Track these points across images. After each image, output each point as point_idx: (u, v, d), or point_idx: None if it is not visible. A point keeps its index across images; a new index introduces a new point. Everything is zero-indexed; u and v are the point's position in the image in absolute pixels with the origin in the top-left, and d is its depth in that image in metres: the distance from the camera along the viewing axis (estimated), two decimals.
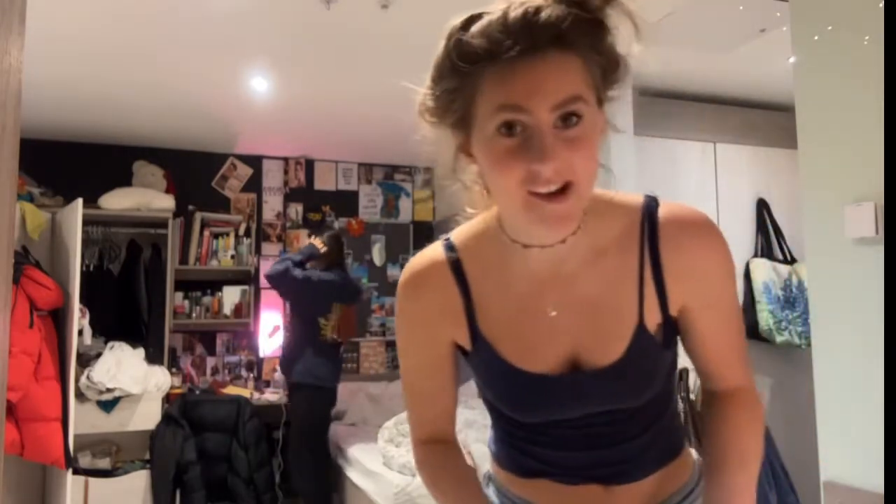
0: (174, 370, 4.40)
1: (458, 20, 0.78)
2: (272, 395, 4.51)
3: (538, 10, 0.72)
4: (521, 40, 0.72)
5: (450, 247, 0.94)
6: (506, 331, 0.91)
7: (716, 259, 0.89)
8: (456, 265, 0.92)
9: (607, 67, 0.78)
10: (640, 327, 0.88)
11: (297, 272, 3.73)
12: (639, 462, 0.93)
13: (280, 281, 3.76)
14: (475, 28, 0.75)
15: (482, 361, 0.92)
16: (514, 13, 0.73)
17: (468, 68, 0.76)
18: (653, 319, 0.88)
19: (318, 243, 3.90)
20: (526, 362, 0.89)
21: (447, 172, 0.89)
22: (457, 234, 0.95)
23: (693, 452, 1.02)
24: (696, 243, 0.88)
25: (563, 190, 0.75)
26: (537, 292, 0.89)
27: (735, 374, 0.94)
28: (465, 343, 0.93)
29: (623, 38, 0.77)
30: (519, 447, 0.97)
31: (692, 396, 3.29)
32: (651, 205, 0.89)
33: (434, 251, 0.94)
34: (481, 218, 0.94)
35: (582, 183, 0.76)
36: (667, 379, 0.94)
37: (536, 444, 0.95)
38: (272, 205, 5.04)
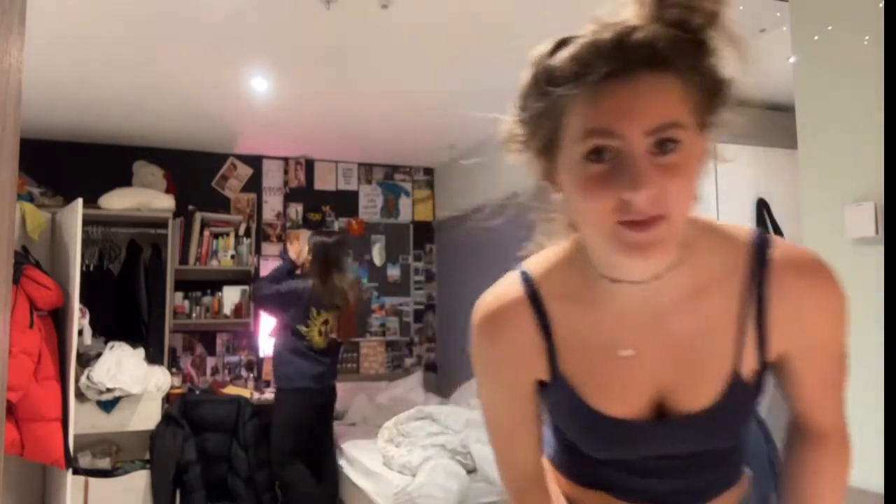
0: (174, 370, 4.40)
1: (545, 46, 0.74)
2: (272, 395, 4.50)
3: (631, 30, 0.68)
4: (612, 61, 0.68)
5: (527, 280, 0.87)
6: (588, 371, 0.85)
7: (830, 308, 0.82)
8: (535, 300, 0.86)
9: (710, 89, 0.73)
10: (736, 373, 0.82)
11: (268, 288, 3.84)
12: (705, 489, 0.90)
13: (261, 302, 3.98)
14: (563, 52, 0.71)
15: (561, 401, 0.88)
16: (605, 34, 0.69)
17: (555, 91, 0.71)
18: (749, 365, 0.82)
19: (294, 251, 3.93)
20: (608, 405, 0.84)
21: (530, 201, 0.85)
22: (533, 266, 0.89)
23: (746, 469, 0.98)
24: (811, 291, 0.81)
25: (654, 219, 0.69)
26: (624, 331, 0.83)
27: (828, 418, 0.89)
28: (546, 379, 0.88)
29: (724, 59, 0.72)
30: (582, 462, 0.93)
31: None
32: (762, 243, 0.82)
33: (510, 285, 0.88)
34: (560, 248, 0.88)
35: (676, 215, 0.70)
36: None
37: (602, 466, 0.91)
38: (272, 205, 5.04)
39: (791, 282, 0.80)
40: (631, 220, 0.69)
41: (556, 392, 0.87)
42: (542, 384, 0.90)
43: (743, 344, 0.82)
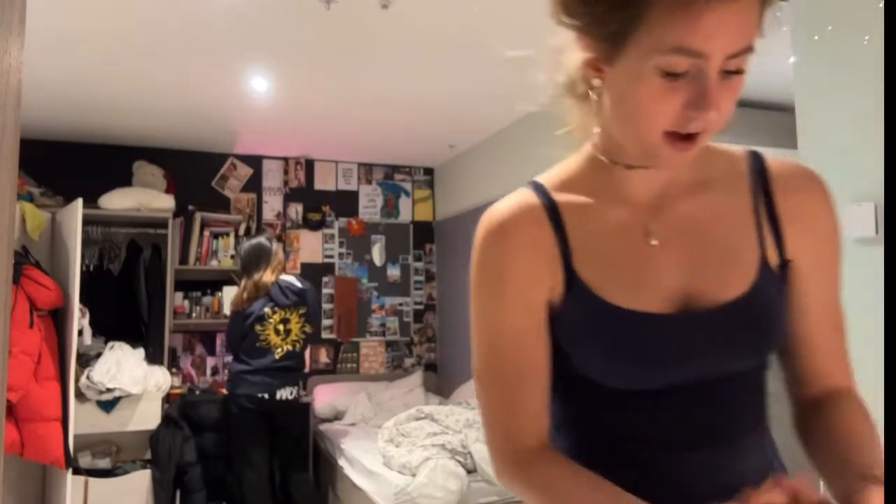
0: (174, 370, 4.40)
1: None
2: None
3: None
4: None
5: (538, 187, 0.86)
6: (606, 267, 0.81)
7: (828, 208, 0.84)
8: (547, 203, 0.83)
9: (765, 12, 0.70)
10: (764, 261, 0.81)
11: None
12: (731, 429, 0.82)
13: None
14: None
15: (580, 310, 0.80)
16: None
17: None
18: (773, 258, 0.82)
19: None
20: (632, 301, 0.79)
21: (563, 82, 0.81)
22: (543, 176, 0.88)
23: None
24: (810, 188, 0.84)
25: (702, 133, 0.71)
26: (638, 220, 0.82)
27: (844, 369, 0.87)
28: (559, 291, 0.81)
29: None
30: (608, 450, 0.82)
31: None
32: (757, 155, 0.87)
33: (520, 194, 0.85)
34: (567, 162, 0.87)
35: (717, 129, 0.72)
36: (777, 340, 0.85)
37: (631, 441, 0.81)
38: (272, 205, 5.05)
39: (789, 179, 0.84)
40: (682, 132, 0.71)
41: (576, 300, 0.80)
42: (555, 314, 0.82)
43: (762, 236, 0.83)
